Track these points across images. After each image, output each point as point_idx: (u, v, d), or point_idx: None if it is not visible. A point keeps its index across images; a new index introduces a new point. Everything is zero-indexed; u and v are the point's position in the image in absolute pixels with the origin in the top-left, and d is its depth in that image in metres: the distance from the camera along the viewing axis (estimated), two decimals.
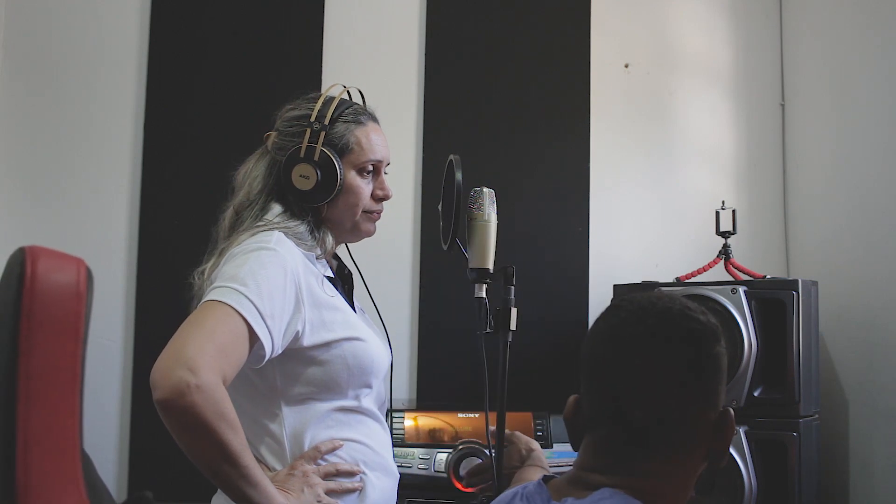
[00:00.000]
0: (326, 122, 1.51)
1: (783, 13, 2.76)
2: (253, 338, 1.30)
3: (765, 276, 2.26)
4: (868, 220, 2.25)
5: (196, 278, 1.46)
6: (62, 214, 2.59)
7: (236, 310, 1.28)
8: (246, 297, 1.29)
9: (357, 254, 1.70)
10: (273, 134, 1.57)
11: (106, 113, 2.62)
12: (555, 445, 2.18)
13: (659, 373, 1.06)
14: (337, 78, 2.64)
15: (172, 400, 1.18)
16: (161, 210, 2.58)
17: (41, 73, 2.64)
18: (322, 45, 2.65)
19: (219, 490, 1.46)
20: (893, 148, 2.14)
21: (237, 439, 1.24)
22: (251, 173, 1.55)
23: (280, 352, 1.37)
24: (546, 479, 1.15)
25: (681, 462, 1.07)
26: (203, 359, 1.21)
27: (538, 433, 2.16)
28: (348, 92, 1.60)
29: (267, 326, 1.31)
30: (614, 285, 2.32)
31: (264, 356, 1.35)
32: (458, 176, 1.56)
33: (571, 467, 1.13)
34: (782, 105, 2.75)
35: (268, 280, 1.34)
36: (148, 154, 2.60)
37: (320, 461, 1.43)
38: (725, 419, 1.07)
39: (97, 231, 2.58)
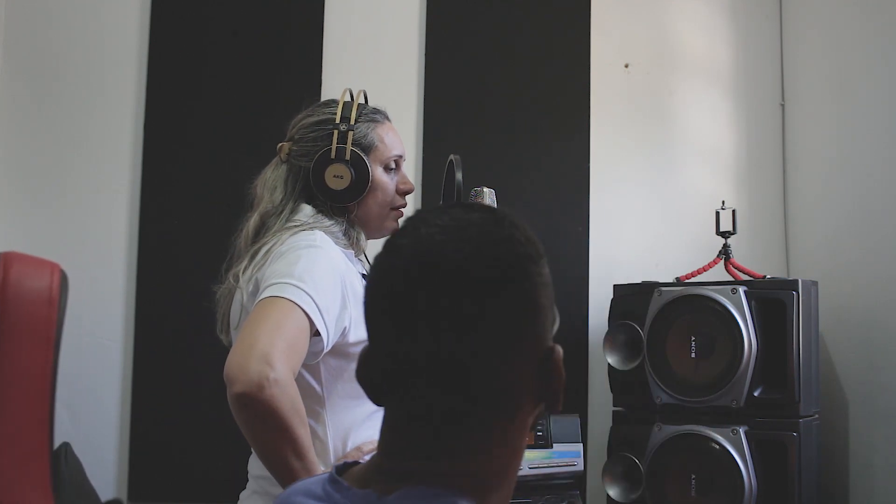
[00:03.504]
0: (352, 122, 1.54)
1: (783, 13, 2.76)
2: (313, 332, 1.32)
3: (765, 276, 2.26)
4: (868, 220, 2.24)
5: (232, 280, 1.46)
6: (62, 214, 2.58)
7: (298, 305, 1.29)
8: (305, 292, 1.31)
9: None
10: (288, 144, 1.57)
11: (106, 113, 2.62)
12: (555, 445, 2.18)
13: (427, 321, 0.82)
14: (337, 78, 2.67)
15: (252, 393, 1.19)
16: (161, 210, 2.57)
17: (41, 73, 2.64)
18: (322, 45, 2.65)
19: (248, 489, 1.48)
20: (893, 148, 2.14)
21: (307, 434, 1.26)
22: (269, 183, 1.56)
23: (330, 348, 1.39)
24: (347, 466, 0.90)
25: (504, 425, 0.86)
26: (277, 353, 1.22)
27: (538, 433, 2.16)
28: (351, 94, 1.62)
29: (324, 321, 1.33)
30: (614, 285, 2.32)
31: (320, 351, 1.37)
32: (459, 176, 1.58)
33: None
34: (782, 105, 2.75)
35: (322, 276, 1.36)
36: (148, 154, 2.60)
37: (360, 461, 1.44)
38: (550, 358, 0.88)
39: (97, 231, 2.58)
